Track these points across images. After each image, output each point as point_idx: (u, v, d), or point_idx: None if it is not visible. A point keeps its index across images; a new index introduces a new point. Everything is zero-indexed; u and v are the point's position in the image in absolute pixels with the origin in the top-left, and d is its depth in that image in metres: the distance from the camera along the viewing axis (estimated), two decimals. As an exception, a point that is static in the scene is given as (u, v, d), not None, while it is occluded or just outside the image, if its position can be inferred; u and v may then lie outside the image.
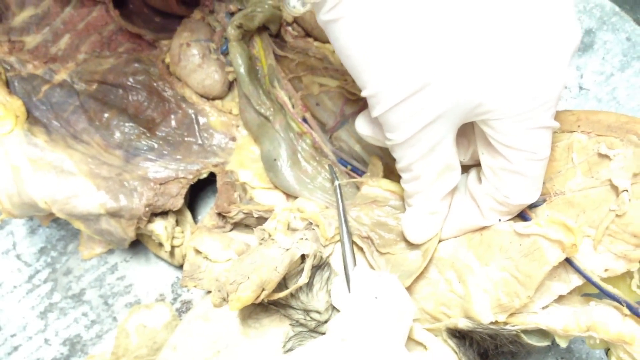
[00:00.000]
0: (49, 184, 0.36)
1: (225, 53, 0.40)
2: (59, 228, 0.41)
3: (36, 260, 0.41)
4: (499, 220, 0.28)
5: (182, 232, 0.38)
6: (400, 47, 0.25)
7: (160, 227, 0.38)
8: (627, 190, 0.25)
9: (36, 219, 0.42)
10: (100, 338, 0.39)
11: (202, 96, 0.41)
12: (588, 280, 0.28)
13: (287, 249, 0.33)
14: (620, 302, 0.28)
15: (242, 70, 0.38)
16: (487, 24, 0.24)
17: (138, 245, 0.40)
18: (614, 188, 0.26)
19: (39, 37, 0.43)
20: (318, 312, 0.34)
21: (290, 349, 0.34)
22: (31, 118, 0.39)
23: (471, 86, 0.25)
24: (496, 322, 0.30)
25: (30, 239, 0.41)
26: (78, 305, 0.40)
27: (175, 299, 0.40)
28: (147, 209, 0.37)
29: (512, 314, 0.29)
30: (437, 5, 0.24)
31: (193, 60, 0.40)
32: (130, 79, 0.40)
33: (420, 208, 0.29)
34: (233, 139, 0.40)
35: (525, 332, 0.30)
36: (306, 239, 0.34)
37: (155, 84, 0.40)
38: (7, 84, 0.40)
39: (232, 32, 0.38)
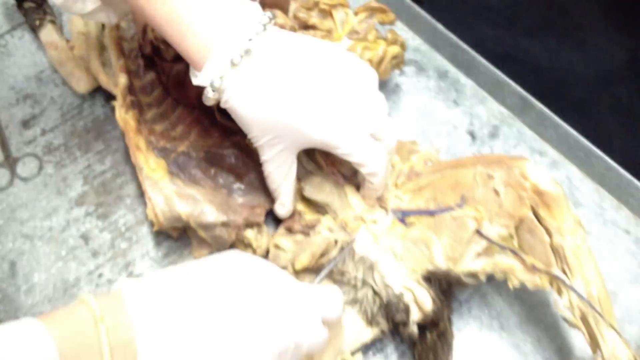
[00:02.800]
0: (188, 206, 0.65)
1: (284, 135, 0.72)
2: (176, 241, 0.70)
3: (163, 260, 0.69)
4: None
5: (262, 237, 0.68)
6: (263, 118, 0.53)
7: (250, 234, 0.67)
8: (501, 191, 0.57)
9: (161, 237, 0.70)
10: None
11: (269, 161, 0.72)
12: (489, 240, 0.59)
13: (326, 237, 0.63)
14: (509, 250, 0.58)
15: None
16: (311, 90, 0.52)
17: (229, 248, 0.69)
18: (496, 191, 0.58)
19: (162, 126, 0.73)
20: (349, 273, 0.63)
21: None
22: (169, 172, 0.69)
23: (305, 134, 0.54)
24: (448, 268, 0.60)
25: (157, 248, 0.69)
26: (193, 286, 0.67)
27: (255, 281, 0.68)
28: (244, 221, 0.66)
29: (455, 263, 0.59)
30: (281, 86, 0.52)
31: (264, 139, 0.72)
32: (226, 151, 0.71)
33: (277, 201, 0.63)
34: (289, 185, 0.71)
35: (464, 274, 0.61)
36: (338, 231, 0.64)
37: (241, 152, 0.71)
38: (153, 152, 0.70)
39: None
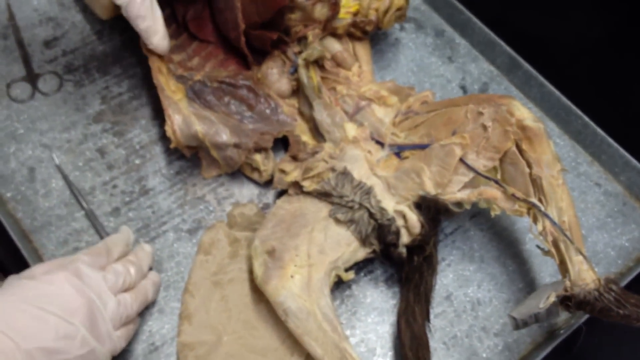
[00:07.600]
0: (204, 125, 0.73)
1: (293, 73, 0.81)
2: (187, 161, 0.78)
3: (174, 177, 0.77)
4: None
5: (269, 162, 0.76)
6: None
7: (259, 157, 0.76)
8: (489, 126, 0.67)
9: (173, 157, 0.78)
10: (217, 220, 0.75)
11: (278, 95, 0.80)
12: (475, 172, 0.68)
13: (321, 159, 0.72)
14: (493, 181, 0.68)
15: (306, 82, 0.79)
16: None
17: (236, 172, 0.78)
18: (484, 126, 0.67)
19: (179, 56, 0.81)
20: (347, 196, 0.72)
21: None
22: (187, 97, 0.77)
23: None
24: (437, 194, 0.69)
25: (169, 166, 0.78)
26: (202, 203, 0.76)
27: (260, 201, 0.77)
28: (254, 144, 0.75)
29: (444, 189, 0.69)
30: None
31: (274, 77, 0.80)
32: (240, 82, 0.80)
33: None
34: (294, 119, 0.80)
35: (451, 203, 0.70)
36: (337, 159, 0.74)
37: (253, 86, 0.80)
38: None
39: (300, 62, 0.79)
